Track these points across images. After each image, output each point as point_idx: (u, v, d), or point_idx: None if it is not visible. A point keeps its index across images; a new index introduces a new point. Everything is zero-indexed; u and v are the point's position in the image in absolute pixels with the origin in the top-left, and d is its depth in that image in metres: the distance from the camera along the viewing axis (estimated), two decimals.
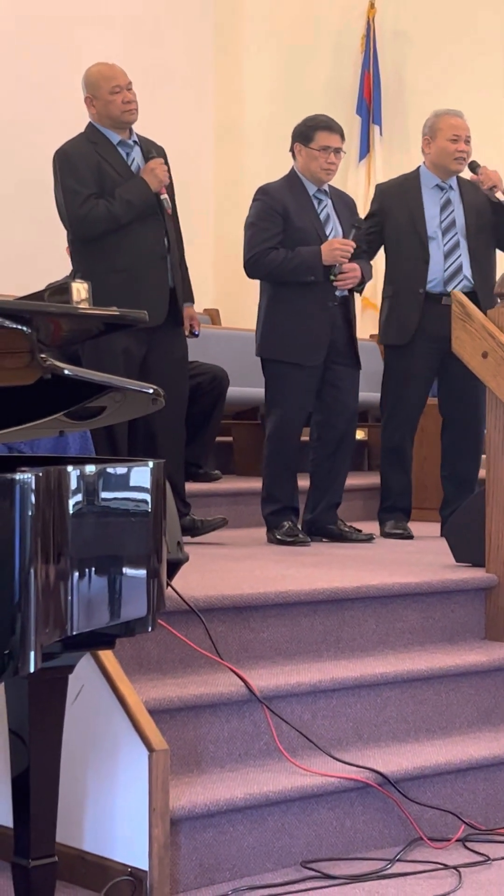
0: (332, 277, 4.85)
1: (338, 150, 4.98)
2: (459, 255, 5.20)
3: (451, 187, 5.29)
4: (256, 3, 8.96)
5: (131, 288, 4.59)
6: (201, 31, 8.85)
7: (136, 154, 4.81)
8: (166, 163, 4.79)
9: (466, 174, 5.33)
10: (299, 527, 4.96)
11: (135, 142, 4.84)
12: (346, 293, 4.98)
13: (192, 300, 4.96)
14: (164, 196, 4.71)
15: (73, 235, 4.74)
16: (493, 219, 5.27)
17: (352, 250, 4.88)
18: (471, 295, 5.11)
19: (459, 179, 5.32)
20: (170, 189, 4.83)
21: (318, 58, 8.80)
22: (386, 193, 5.38)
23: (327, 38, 8.81)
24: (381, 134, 8.54)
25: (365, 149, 8.52)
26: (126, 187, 4.67)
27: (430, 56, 8.45)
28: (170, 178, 4.79)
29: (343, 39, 8.76)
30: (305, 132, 5.00)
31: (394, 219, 5.25)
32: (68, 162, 4.70)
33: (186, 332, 4.89)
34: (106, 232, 4.64)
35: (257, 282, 5.09)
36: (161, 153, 4.83)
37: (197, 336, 4.97)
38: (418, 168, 5.39)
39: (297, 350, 4.89)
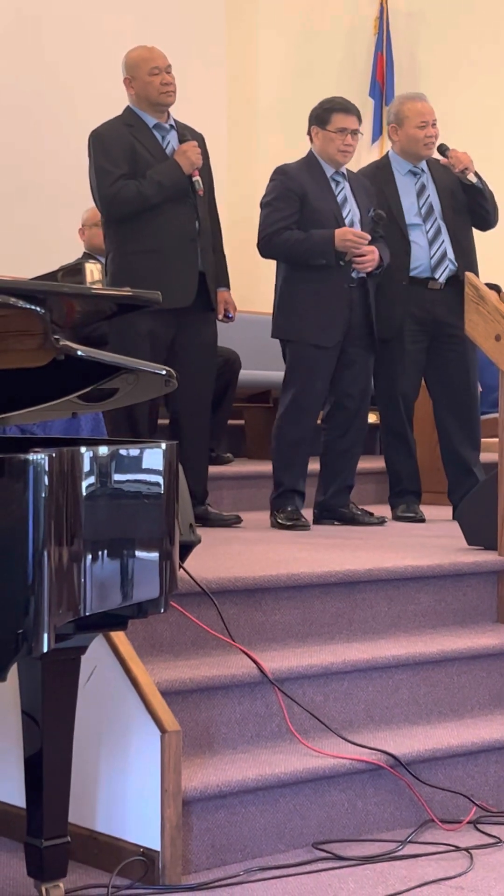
0: (341, 263, 4.82)
1: (355, 132, 4.97)
2: (443, 241, 5.18)
3: (422, 171, 5.27)
4: None
5: (159, 269, 4.62)
6: (214, 13, 8.81)
7: (172, 138, 4.82)
8: (204, 149, 4.81)
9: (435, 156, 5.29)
10: (303, 511, 4.95)
11: (171, 126, 4.86)
12: (363, 275, 4.95)
13: (227, 285, 4.97)
14: (197, 178, 4.71)
15: (104, 215, 4.78)
16: (466, 199, 5.25)
17: (365, 243, 4.84)
18: (455, 278, 5.11)
19: (429, 161, 5.29)
20: (207, 174, 4.84)
21: (332, 40, 8.76)
22: None
23: (340, 20, 8.76)
24: None
25: (378, 131, 8.49)
26: (157, 169, 4.68)
27: (443, 38, 8.40)
28: (208, 164, 4.82)
29: (356, 21, 8.71)
30: (322, 115, 5.00)
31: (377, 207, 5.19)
32: (102, 143, 4.74)
33: (220, 316, 4.90)
34: (136, 212, 4.66)
35: (271, 264, 5.08)
36: (199, 139, 4.84)
37: (232, 320, 4.97)
38: (387, 154, 5.38)
39: (314, 331, 4.87)
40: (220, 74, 8.92)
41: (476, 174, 5.19)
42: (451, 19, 8.35)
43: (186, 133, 4.82)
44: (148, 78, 4.76)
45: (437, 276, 5.16)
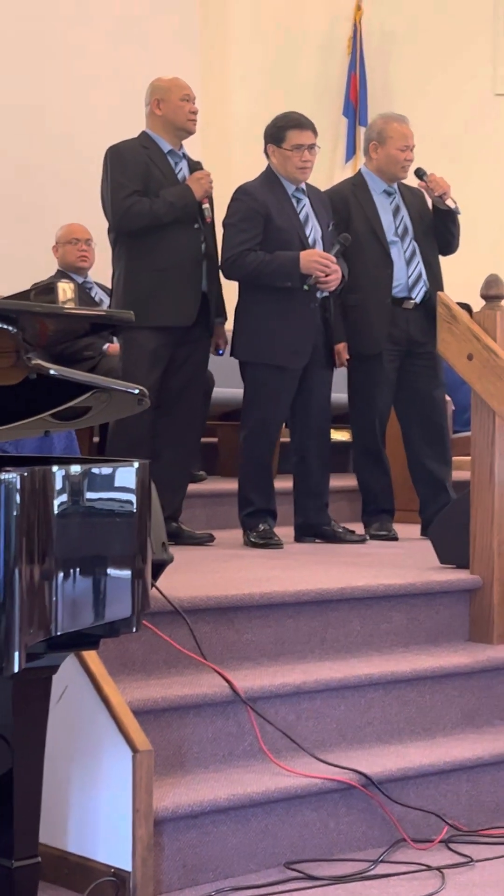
0: (305, 287, 4.80)
1: (311, 147, 4.93)
2: (418, 261, 5.20)
3: (396, 191, 5.30)
4: (243, 4, 8.96)
5: (163, 287, 4.71)
6: (187, 32, 8.83)
7: (184, 166, 4.92)
8: (207, 221, 4.88)
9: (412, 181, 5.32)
10: (276, 529, 4.95)
11: (183, 154, 4.94)
12: (326, 294, 4.95)
13: (224, 316, 5.01)
14: (206, 206, 4.81)
15: (115, 228, 4.83)
16: (433, 223, 5.28)
17: (330, 265, 4.82)
18: (429, 299, 5.13)
19: (398, 183, 5.31)
20: (210, 203, 4.90)
21: (305, 59, 8.81)
22: (339, 199, 5.26)
23: (314, 40, 8.81)
24: None
25: (351, 150, 8.54)
26: (171, 191, 4.78)
27: (417, 58, 8.47)
28: (211, 199, 4.89)
29: (330, 41, 8.77)
30: (276, 133, 4.96)
31: (352, 226, 5.18)
32: (119, 158, 4.82)
33: (212, 349, 4.98)
34: (145, 229, 4.73)
35: (230, 282, 5.07)
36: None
37: (220, 355, 5.01)
38: (360, 172, 5.38)
39: (282, 353, 4.87)
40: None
41: (453, 199, 5.22)
42: (424, 41, 8.41)
43: (196, 166, 4.94)
44: (179, 102, 4.88)
45: (413, 296, 5.17)
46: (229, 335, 5.06)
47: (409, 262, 5.19)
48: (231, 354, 5.02)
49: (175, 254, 4.75)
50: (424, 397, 5.22)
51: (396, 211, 5.26)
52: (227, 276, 4.96)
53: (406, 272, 5.18)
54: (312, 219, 4.98)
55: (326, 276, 4.81)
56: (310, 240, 4.92)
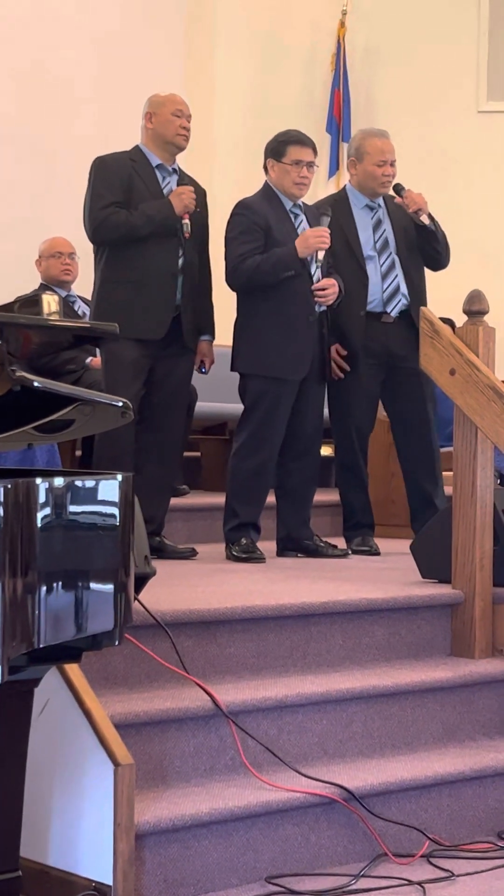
0: (316, 265, 4.87)
1: (310, 164, 5.00)
2: (396, 275, 5.22)
3: (379, 206, 5.31)
4: (227, 20, 8.98)
5: (136, 299, 4.70)
6: (172, 48, 8.86)
7: (173, 181, 4.90)
8: (204, 202, 4.90)
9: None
10: (259, 543, 4.95)
11: (174, 170, 4.92)
12: (324, 308, 4.99)
13: (211, 334, 4.99)
14: (186, 222, 4.78)
15: (91, 237, 4.83)
16: (418, 238, 5.30)
17: (327, 236, 4.87)
18: (407, 312, 5.15)
19: (385, 196, 5.33)
20: (202, 227, 4.91)
21: (289, 76, 8.84)
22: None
23: (298, 57, 8.85)
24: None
25: (335, 166, 8.57)
26: (150, 204, 4.76)
27: (400, 75, 8.51)
28: (205, 218, 4.92)
29: (313, 58, 8.80)
30: (277, 147, 5.03)
31: (332, 241, 5.22)
32: (102, 169, 4.83)
33: (195, 366, 4.95)
34: (122, 240, 4.73)
35: (227, 298, 5.09)
36: (200, 193, 4.92)
37: (204, 373, 5.00)
38: (345, 188, 5.41)
39: (281, 365, 4.88)
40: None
41: (430, 216, 5.23)
42: (407, 58, 8.45)
43: (189, 183, 4.92)
44: (170, 116, 4.85)
45: (388, 310, 5.19)
46: (225, 351, 5.05)
47: (385, 277, 5.21)
48: (231, 368, 5.03)
49: (151, 266, 4.73)
50: (411, 411, 5.24)
51: (377, 225, 5.27)
52: (233, 285, 4.95)
53: (381, 286, 5.20)
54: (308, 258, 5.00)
55: (324, 291, 4.88)
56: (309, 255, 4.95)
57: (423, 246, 5.30)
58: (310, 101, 8.74)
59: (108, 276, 4.78)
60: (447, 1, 8.37)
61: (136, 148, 4.93)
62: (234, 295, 5.04)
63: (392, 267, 5.23)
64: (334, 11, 8.63)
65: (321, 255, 4.93)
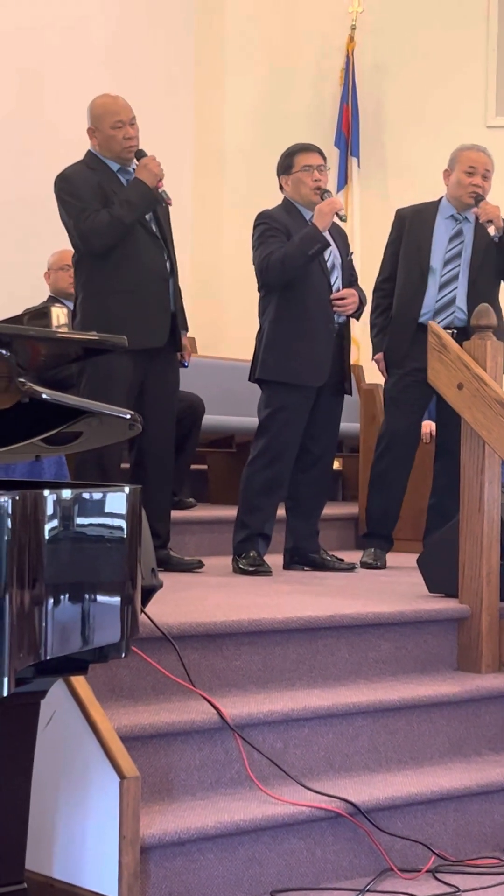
0: (340, 216, 4.91)
1: (321, 167, 5.04)
2: (455, 287, 5.23)
3: (466, 219, 5.31)
4: (236, 33, 9.02)
5: (134, 308, 4.62)
6: (182, 63, 8.90)
7: None
8: (168, 203, 4.80)
9: None
10: (268, 555, 4.95)
11: (134, 170, 4.85)
12: (344, 319, 5.01)
13: (186, 328, 4.98)
14: (163, 189, 4.69)
15: (85, 249, 4.70)
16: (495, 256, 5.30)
17: (338, 201, 4.91)
18: (463, 329, 5.14)
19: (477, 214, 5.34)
20: (167, 218, 4.84)
21: (298, 90, 8.86)
22: (403, 219, 5.41)
23: (307, 71, 8.87)
24: (358, 166, 8.60)
25: (343, 180, 8.58)
26: (123, 191, 4.68)
27: (409, 90, 8.53)
28: (167, 209, 4.83)
29: (322, 72, 8.82)
30: (285, 162, 5.08)
31: (405, 247, 5.31)
32: (69, 184, 4.73)
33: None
34: (114, 237, 4.61)
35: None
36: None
37: (185, 367, 4.98)
38: (441, 198, 5.43)
39: (299, 371, 4.90)
40: (188, 123, 9.00)
41: (497, 227, 5.20)
42: (416, 72, 8.47)
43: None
44: (110, 132, 4.73)
45: (438, 321, 5.19)
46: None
47: (442, 287, 5.23)
48: (250, 377, 5.04)
49: (142, 273, 4.66)
50: (449, 429, 5.23)
51: (455, 237, 5.29)
52: (268, 283, 4.93)
53: (435, 297, 5.22)
54: (332, 245, 5.00)
55: (343, 300, 4.92)
56: (328, 263, 4.97)
57: (498, 260, 5.29)
58: (318, 116, 8.76)
59: (97, 287, 4.67)
60: (456, 16, 8.39)
61: (91, 154, 4.81)
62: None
63: (454, 279, 5.24)
64: (343, 26, 8.65)
65: (336, 267, 4.95)
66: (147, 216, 4.73)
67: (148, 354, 4.65)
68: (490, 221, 5.19)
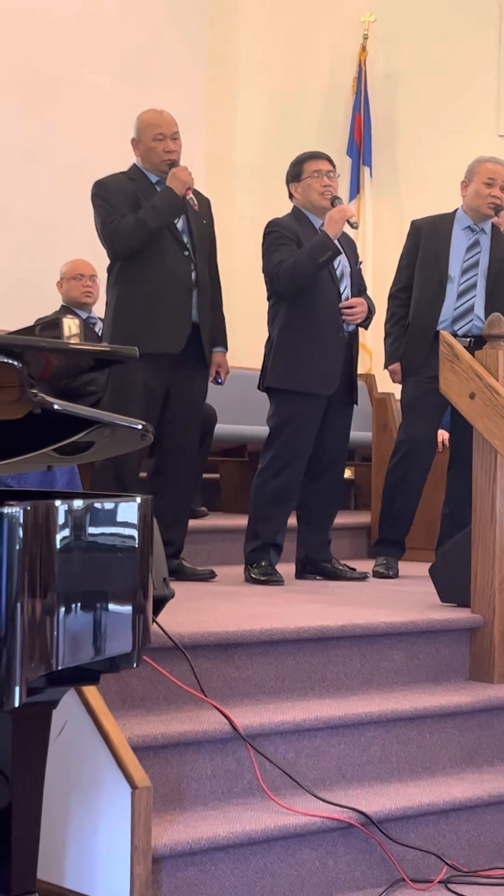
0: (351, 223, 4.91)
1: (329, 173, 5.06)
2: (473, 296, 5.24)
3: (482, 230, 5.34)
4: (248, 43, 9.05)
5: (152, 313, 4.68)
6: (193, 73, 8.92)
7: None
8: (209, 212, 4.88)
9: None
10: (280, 565, 4.95)
11: None
12: (353, 328, 5.02)
13: (224, 346, 5.00)
14: (190, 196, 4.73)
15: (112, 253, 4.80)
16: None
17: (349, 208, 4.92)
18: (480, 337, 5.13)
19: (494, 226, 5.36)
20: (209, 237, 4.90)
21: (310, 99, 8.88)
22: (419, 230, 5.43)
23: (319, 80, 8.89)
24: (370, 175, 8.62)
25: (355, 190, 8.60)
26: (153, 197, 4.75)
27: (421, 99, 8.54)
28: (212, 228, 4.91)
29: (335, 81, 8.84)
30: (293, 170, 5.11)
31: (422, 257, 5.33)
32: (103, 189, 4.82)
33: (211, 378, 4.94)
34: (139, 241, 4.68)
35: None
36: (205, 202, 4.92)
37: (221, 384, 4.99)
38: (458, 209, 5.45)
39: (310, 379, 4.90)
40: (200, 133, 9.01)
41: None
42: (429, 82, 8.48)
43: (195, 195, 4.87)
44: (151, 143, 4.83)
45: (456, 329, 5.20)
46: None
47: (460, 296, 5.24)
48: (259, 386, 5.04)
49: (164, 280, 4.71)
50: (460, 436, 5.24)
51: (472, 247, 5.31)
52: (279, 291, 4.95)
53: (453, 305, 5.23)
54: (342, 254, 5.01)
55: (352, 309, 4.92)
56: (338, 272, 4.98)
57: None
58: (331, 125, 8.78)
59: (123, 291, 4.76)
60: (468, 25, 8.40)
61: (134, 167, 4.92)
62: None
63: (471, 288, 5.25)
64: (356, 35, 8.67)
65: (345, 275, 4.95)
66: (180, 227, 4.79)
67: (169, 362, 4.69)
68: None
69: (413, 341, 5.32)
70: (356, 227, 5.08)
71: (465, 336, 5.21)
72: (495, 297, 5.26)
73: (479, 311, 5.23)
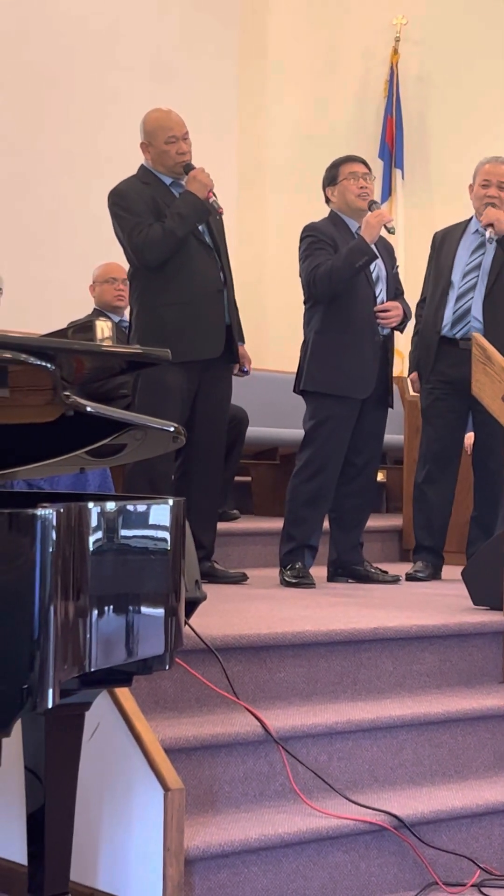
0: (390, 229, 4.94)
1: (365, 175, 5.07)
2: (471, 298, 5.22)
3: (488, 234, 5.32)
4: (280, 47, 9.05)
5: (189, 321, 4.66)
6: (225, 77, 8.93)
7: None
8: (220, 212, 4.83)
9: None
10: (314, 567, 4.95)
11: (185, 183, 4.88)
12: (388, 331, 5.02)
13: (242, 339, 5.01)
14: (213, 199, 4.71)
15: (140, 264, 4.75)
16: None
17: (385, 212, 4.97)
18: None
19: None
20: (220, 229, 4.87)
21: (342, 102, 8.87)
22: (436, 241, 5.46)
23: (351, 83, 8.88)
24: (402, 178, 8.60)
25: (387, 192, 8.57)
26: (174, 204, 4.71)
27: (453, 102, 8.51)
28: (221, 227, 4.87)
29: (367, 84, 8.83)
30: (329, 174, 5.12)
31: (434, 266, 5.36)
32: (123, 199, 4.78)
33: (235, 370, 4.94)
34: (168, 250, 4.65)
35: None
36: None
37: (247, 373, 5.00)
38: (472, 215, 5.43)
39: (345, 383, 4.91)
40: (232, 138, 9.03)
41: (493, 230, 5.19)
42: (461, 84, 8.45)
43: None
44: (164, 147, 4.79)
45: (455, 333, 5.19)
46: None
47: (459, 298, 5.23)
48: (294, 389, 5.04)
49: (196, 285, 4.69)
50: (484, 442, 5.22)
51: (476, 249, 5.29)
52: (315, 295, 4.95)
53: (453, 308, 5.22)
54: (378, 258, 5.01)
55: (387, 313, 4.94)
56: (374, 275, 4.98)
57: None
58: (362, 128, 8.76)
59: (153, 301, 4.71)
60: (500, 27, 8.37)
61: (144, 169, 4.86)
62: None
63: (470, 289, 5.23)
64: (388, 38, 8.65)
65: (381, 279, 4.96)
66: (200, 228, 4.77)
67: (202, 366, 4.70)
68: (490, 225, 5.18)
69: (422, 349, 5.33)
70: (393, 233, 5.08)
71: (463, 339, 5.18)
72: (494, 297, 5.24)
73: (476, 312, 5.21)
